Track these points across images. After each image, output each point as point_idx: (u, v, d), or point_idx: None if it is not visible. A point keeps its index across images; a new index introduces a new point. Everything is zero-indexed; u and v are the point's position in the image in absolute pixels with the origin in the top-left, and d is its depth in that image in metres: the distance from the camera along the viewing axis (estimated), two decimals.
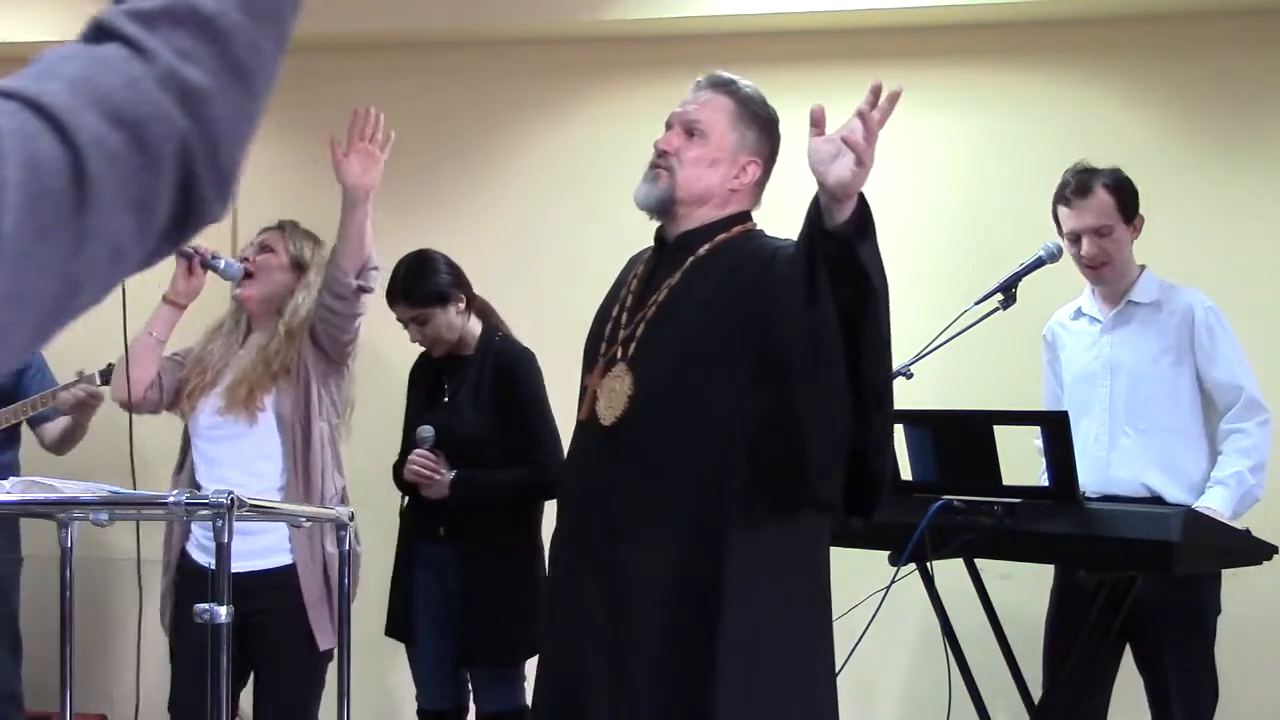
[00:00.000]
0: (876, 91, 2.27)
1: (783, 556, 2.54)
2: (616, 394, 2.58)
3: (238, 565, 3.34)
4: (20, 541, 4.07)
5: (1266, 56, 4.46)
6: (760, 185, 2.72)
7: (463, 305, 3.70)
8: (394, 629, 3.75)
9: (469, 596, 3.57)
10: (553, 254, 4.63)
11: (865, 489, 2.41)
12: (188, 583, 3.41)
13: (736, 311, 2.52)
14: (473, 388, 3.67)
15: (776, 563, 2.52)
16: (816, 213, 2.33)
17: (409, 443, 3.71)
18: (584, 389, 2.70)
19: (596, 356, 2.69)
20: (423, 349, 3.80)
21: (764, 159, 2.70)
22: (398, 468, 3.76)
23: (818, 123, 2.32)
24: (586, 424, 2.65)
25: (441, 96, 4.85)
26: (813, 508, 2.53)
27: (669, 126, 2.70)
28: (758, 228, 2.71)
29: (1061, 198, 3.58)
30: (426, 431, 3.60)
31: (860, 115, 2.26)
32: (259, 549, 3.33)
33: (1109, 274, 3.55)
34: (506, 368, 3.69)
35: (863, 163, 2.24)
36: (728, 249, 2.63)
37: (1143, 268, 3.60)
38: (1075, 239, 3.53)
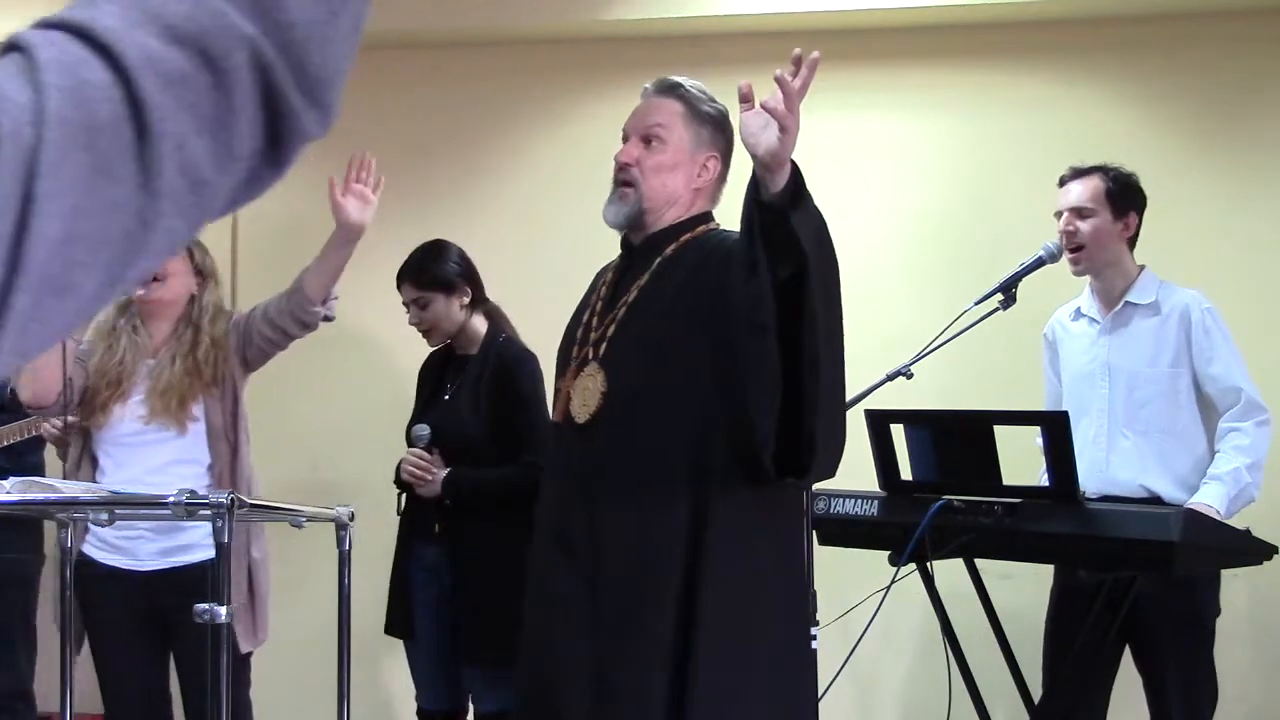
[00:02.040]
0: (797, 60, 2.34)
1: (758, 529, 2.57)
2: (589, 392, 2.62)
3: (156, 564, 3.33)
4: (44, 542, 4.02)
5: (1264, 57, 4.46)
6: (720, 182, 2.78)
7: (467, 300, 3.72)
8: (393, 627, 3.76)
9: (465, 595, 3.56)
10: (552, 254, 4.62)
11: (801, 452, 2.44)
12: (88, 582, 3.33)
13: (702, 306, 2.57)
14: (472, 387, 3.68)
15: (753, 535, 2.55)
16: (755, 187, 2.39)
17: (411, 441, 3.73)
18: (558, 392, 2.74)
19: (569, 360, 2.73)
20: (431, 349, 3.81)
21: (721, 153, 2.76)
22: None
23: (746, 98, 2.38)
24: (562, 425, 2.68)
25: (442, 96, 4.85)
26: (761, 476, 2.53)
27: (625, 138, 2.74)
28: (720, 226, 2.76)
29: (1060, 181, 3.60)
30: (422, 430, 3.62)
31: (778, 81, 2.31)
32: (182, 545, 3.32)
33: (1084, 261, 3.54)
34: (505, 367, 3.70)
35: (786, 129, 2.30)
36: (693, 247, 2.68)
37: (1142, 268, 3.59)
38: (1060, 219, 3.54)
